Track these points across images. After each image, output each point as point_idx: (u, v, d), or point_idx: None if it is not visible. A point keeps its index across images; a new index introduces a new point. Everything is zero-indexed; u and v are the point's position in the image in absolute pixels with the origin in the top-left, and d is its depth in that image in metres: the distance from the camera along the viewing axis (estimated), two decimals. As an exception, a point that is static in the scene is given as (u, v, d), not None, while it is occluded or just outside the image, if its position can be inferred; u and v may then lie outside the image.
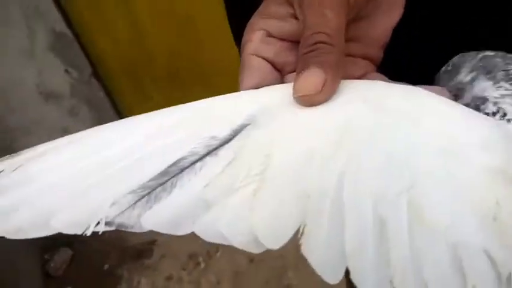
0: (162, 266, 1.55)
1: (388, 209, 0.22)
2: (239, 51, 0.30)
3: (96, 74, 1.54)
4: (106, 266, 1.63)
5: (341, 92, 0.26)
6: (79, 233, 0.22)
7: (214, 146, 0.24)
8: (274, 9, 0.29)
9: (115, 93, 1.61)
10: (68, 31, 1.43)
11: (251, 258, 1.45)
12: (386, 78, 0.30)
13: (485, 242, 0.21)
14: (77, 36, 1.47)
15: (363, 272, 0.21)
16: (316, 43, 0.25)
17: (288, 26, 0.28)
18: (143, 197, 0.22)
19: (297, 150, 0.24)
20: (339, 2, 0.26)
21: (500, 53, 0.28)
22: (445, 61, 0.31)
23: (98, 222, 0.22)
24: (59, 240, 1.71)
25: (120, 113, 1.63)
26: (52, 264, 1.65)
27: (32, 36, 1.39)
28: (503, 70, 0.26)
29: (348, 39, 0.29)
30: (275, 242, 0.22)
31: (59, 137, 0.30)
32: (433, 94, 0.26)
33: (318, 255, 0.22)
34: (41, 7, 1.36)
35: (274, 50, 0.28)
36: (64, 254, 1.69)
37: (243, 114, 0.25)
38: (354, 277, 0.21)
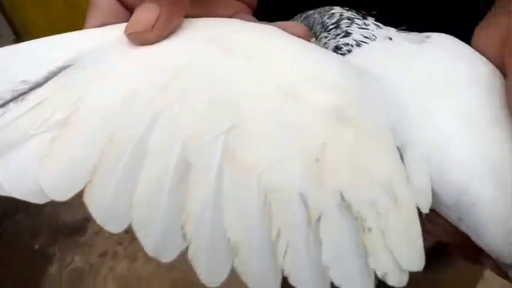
0: (96, 242, 1.51)
1: (198, 152, 0.20)
2: None
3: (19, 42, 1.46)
4: (37, 245, 1.56)
5: (185, 30, 0.24)
6: None
7: (22, 91, 0.22)
8: None
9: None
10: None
11: (188, 230, 1.45)
12: (257, 20, 0.28)
13: (301, 185, 0.20)
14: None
15: (148, 219, 0.20)
16: None
17: None
18: None
19: (115, 93, 0.21)
20: None
21: (318, 10, 0.29)
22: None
23: None
24: (-16, 220, 1.63)
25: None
26: (-22, 245, 1.57)
27: None
28: (320, 23, 0.28)
29: None
30: (63, 193, 0.20)
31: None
32: (287, 34, 0.25)
33: (102, 203, 0.20)
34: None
35: None
36: (-9, 234, 1.61)
37: (64, 55, 0.22)
38: (135, 226, 0.20)
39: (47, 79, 0.22)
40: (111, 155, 0.20)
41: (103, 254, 1.46)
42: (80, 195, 0.21)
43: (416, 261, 0.20)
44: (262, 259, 0.19)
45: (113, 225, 0.20)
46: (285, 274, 0.20)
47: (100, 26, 0.25)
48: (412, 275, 0.21)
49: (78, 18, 1.29)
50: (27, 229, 1.62)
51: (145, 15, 0.22)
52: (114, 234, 1.51)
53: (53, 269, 1.46)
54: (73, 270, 1.44)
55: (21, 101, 0.21)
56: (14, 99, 0.21)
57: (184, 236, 0.20)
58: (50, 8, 1.47)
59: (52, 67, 0.22)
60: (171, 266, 1.36)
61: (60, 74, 0.22)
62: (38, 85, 0.22)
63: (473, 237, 0.20)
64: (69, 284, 1.41)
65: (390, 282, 0.20)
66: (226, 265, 0.20)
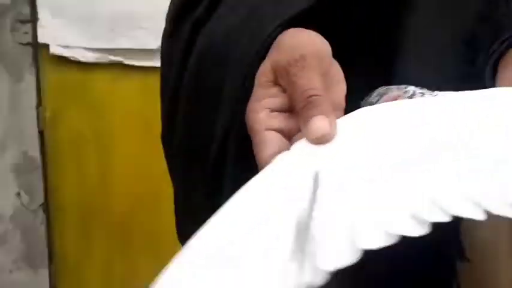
0: None
1: None
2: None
3: (46, 207, 1.53)
4: None
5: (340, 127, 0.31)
6: None
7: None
8: (263, 91, 0.35)
9: (56, 233, 1.58)
10: (39, 157, 1.47)
11: None
12: None
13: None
14: (45, 167, 1.50)
15: None
16: (310, 97, 0.32)
17: (281, 100, 0.34)
18: None
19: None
20: (318, 73, 0.34)
21: (395, 86, 0.40)
22: None
23: None
24: None
25: (52, 253, 1.57)
26: None
27: (1, 154, 1.44)
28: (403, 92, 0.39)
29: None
30: None
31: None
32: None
33: None
34: (24, 129, 1.44)
35: (280, 120, 0.34)
36: None
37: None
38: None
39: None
40: None
41: None
42: None
43: None
44: None
45: None
46: None
47: (274, 155, 0.31)
48: None
49: (103, 197, 1.35)
50: None
51: (322, 122, 0.30)
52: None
53: None
54: None
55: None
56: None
57: None
58: (84, 182, 1.58)
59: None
60: None
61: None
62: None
63: None
64: None
65: None
66: None
